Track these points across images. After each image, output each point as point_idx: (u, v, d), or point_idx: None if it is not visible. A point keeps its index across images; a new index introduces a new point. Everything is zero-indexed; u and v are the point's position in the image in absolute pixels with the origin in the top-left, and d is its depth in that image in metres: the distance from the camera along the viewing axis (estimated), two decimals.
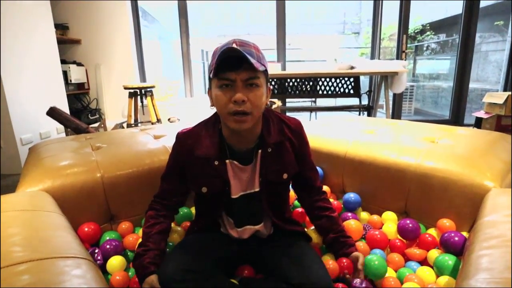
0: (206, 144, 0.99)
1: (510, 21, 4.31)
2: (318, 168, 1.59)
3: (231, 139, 0.99)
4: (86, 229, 1.17)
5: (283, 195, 1.11)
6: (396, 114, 4.18)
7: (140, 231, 1.28)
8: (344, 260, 1.03)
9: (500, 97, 2.98)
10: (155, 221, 1.04)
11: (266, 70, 0.90)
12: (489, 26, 5.10)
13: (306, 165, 1.11)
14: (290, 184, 1.15)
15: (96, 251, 1.11)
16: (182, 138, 1.03)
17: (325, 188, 1.54)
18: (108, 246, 1.13)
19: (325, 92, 3.79)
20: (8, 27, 2.56)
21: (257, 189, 1.02)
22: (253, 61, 0.82)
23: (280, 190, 1.07)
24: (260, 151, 1.00)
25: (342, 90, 3.76)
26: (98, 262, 1.07)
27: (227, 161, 0.99)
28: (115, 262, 1.08)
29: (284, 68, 4.10)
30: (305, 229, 1.18)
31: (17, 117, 2.62)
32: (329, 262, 1.04)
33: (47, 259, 0.69)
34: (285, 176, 1.03)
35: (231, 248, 1.04)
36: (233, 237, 1.06)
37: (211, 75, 0.89)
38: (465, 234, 1.06)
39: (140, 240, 1.05)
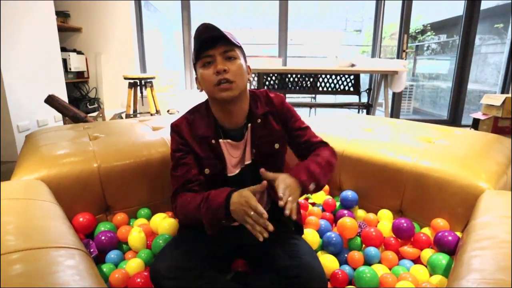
0: (202, 125, 1.05)
1: (510, 24, 4.31)
2: None
3: (223, 120, 1.04)
4: (81, 219, 1.16)
5: (279, 167, 1.10)
6: (395, 113, 4.19)
7: (135, 222, 1.28)
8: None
9: (497, 99, 2.99)
10: (193, 196, 0.98)
11: (241, 47, 1.01)
12: (489, 28, 5.10)
13: (296, 128, 1.10)
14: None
15: (91, 242, 1.11)
16: (179, 124, 1.06)
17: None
18: (103, 238, 1.13)
19: (325, 89, 3.79)
20: (9, 13, 2.53)
21: (248, 162, 1.05)
22: (225, 33, 0.93)
23: (274, 161, 1.08)
24: (249, 124, 1.05)
25: (342, 87, 3.76)
26: (92, 253, 1.07)
27: (220, 140, 1.04)
28: (134, 265, 1.06)
29: (285, 64, 4.08)
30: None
31: (14, 104, 2.60)
32: (327, 258, 1.06)
33: (40, 249, 0.69)
34: (276, 146, 1.07)
35: (224, 243, 1.03)
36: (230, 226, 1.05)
37: (194, 61, 1.00)
38: (458, 234, 1.07)
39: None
